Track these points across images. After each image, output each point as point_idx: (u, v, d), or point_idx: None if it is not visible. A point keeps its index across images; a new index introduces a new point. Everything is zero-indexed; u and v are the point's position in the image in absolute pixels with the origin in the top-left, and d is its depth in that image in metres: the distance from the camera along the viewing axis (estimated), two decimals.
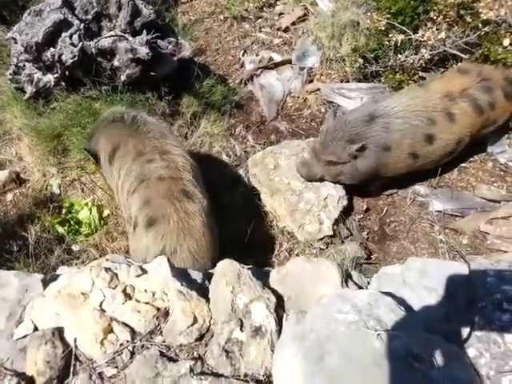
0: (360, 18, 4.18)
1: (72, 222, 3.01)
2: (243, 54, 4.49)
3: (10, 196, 3.18)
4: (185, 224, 2.10)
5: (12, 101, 3.44)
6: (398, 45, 3.54)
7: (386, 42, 3.64)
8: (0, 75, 3.90)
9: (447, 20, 3.46)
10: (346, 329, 1.00)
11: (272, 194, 3.01)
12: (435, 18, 3.50)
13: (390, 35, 3.57)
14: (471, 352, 0.95)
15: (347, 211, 3.00)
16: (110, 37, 3.03)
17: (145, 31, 3.07)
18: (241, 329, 1.16)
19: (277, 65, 4.25)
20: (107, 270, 1.27)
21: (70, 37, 3.01)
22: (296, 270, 1.34)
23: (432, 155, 2.84)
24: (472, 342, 0.99)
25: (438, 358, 0.91)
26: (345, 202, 2.91)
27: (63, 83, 3.26)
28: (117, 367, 1.13)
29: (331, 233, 2.83)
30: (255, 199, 3.20)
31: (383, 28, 3.68)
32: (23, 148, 3.43)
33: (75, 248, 2.88)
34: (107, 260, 1.31)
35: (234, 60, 4.49)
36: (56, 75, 3.16)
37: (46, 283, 1.35)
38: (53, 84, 3.24)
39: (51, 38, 3.01)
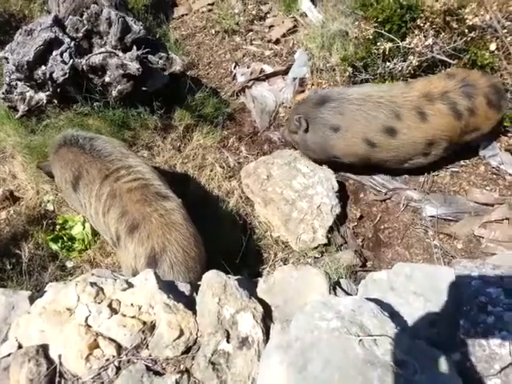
0: (348, 27, 4.24)
1: (65, 239, 3.00)
2: (235, 67, 4.54)
3: (3, 214, 3.18)
4: (167, 219, 2.12)
5: (5, 119, 3.45)
6: (387, 52, 3.59)
7: (375, 51, 3.69)
8: None
9: (434, 27, 3.51)
10: (328, 336, 0.99)
11: (265, 205, 3.01)
12: (422, 25, 3.55)
13: (378, 43, 3.62)
14: (456, 356, 0.94)
15: (341, 219, 3.00)
16: (100, 53, 3.06)
17: (135, 47, 3.10)
18: (227, 340, 1.15)
19: (268, 76, 4.29)
20: (93, 284, 1.26)
21: (61, 54, 3.04)
22: (283, 278, 1.33)
23: (397, 150, 2.91)
24: (457, 345, 0.98)
25: (422, 364, 0.90)
26: (338, 210, 2.91)
27: (55, 100, 3.29)
28: (102, 383, 1.12)
29: (325, 241, 2.83)
30: (249, 210, 3.20)
31: (371, 37, 3.73)
32: (17, 166, 3.44)
33: (69, 264, 2.87)
34: (93, 275, 1.31)
35: (226, 73, 4.54)
36: (48, 93, 3.19)
37: (33, 300, 1.34)
38: (45, 102, 3.27)
39: (42, 56, 3.05)
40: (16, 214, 3.12)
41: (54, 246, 2.93)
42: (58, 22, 3.16)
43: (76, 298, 1.23)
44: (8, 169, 3.47)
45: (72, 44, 3.07)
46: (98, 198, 2.31)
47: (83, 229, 3.03)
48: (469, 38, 3.37)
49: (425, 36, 3.51)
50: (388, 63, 3.60)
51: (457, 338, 1.02)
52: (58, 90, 3.14)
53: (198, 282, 1.47)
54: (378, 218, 3.09)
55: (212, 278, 1.29)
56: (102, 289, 1.27)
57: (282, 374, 0.98)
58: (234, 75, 4.43)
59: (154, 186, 2.27)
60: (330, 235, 2.88)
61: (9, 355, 1.18)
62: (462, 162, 3.25)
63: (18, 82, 3.23)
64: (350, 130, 2.91)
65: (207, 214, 2.99)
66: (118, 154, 2.52)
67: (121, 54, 3.07)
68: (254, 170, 3.11)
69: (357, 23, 4.09)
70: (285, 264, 2.91)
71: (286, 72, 4.30)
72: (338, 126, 2.93)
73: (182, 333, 1.18)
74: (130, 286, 1.30)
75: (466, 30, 3.36)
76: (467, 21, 3.31)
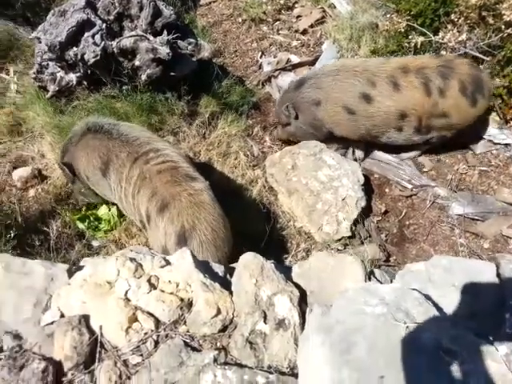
0: (379, 20, 4.17)
1: (92, 219, 3.05)
2: (261, 56, 4.51)
3: (32, 192, 3.24)
4: (196, 199, 2.15)
5: (35, 99, 3.50)
6: (418, 47, 3.52)
7: (406, 44, 3.63)
8: (23, 74, 4.00)
9: (468, 22, 3.43)
10: (374, 321, 0.99)
11: (289, 195, 3.00)
12: (456, 19, 3.47)
13: (410, 37, 3.56)
14: (502, 350, 0.93)
15: (366, 213, 2.98)
16: (131, 36, 3.08)
17: (165, 31, 3.10)
18: (264, 321, 1.16)
19: (295, 66, 4.25)
20: (132, 260, 1.28)
21: (93, 36, 3.06)
22: (319, 264, 1.33)
23: (374, 118, 2.95)
24: (502, 339, 0.97)
25: (469, 354, 0.89)
26: (363, 204, 2.89)
27: (85, 82, 3.32)
28: (141, 355, 1.14)
29: (349, 234, 2.81)
30: (272, 199, 3.20)
31: (403, 30, 3.67)
32: (45, 145, 3.49)
33: (95, 244, 2.92)
34: (131, 251, 1.33)
35: (252, 62, 4.52)
36: (78, 74, 3.23)
37: (71, 273, 1.37)
38: (75, 83, 3.30)
39: (74, 37, 3.07)
40: (44, 193, 3.18)
41: (81, 225, 2.98)
42: (90, 4, 3.18)
43: (116, 272, 1.25)
44: (37, 148, 3.53)
45: (104, 26, 3.09)
46: (128, 180, 2.34)
47: (109, 210, 3.07)
48: (505, 35, 3.29)
49: (458, 31, 3.44)
50: None
51: (501, 332, 1.01)
52: (89, 71, 3.17)
53: (231, 265, 1.48)
54: (403, 214, 3.05)
55: (249, 260, 1.30)
56: (140, 265, 1.29)
57: (324, 355, 0.98)
58: (260, 64, 4.41)
59: (183, 168, 2.30)
60: (353, 228, 2.86)
61: (52, 323, 1.21)
62: (492, 162, 3.18)
63: (50, 63, 3.27)
64: (330, 100, 2.98)
65: (231, 202, 2.99)
66: (145, 138, 2.55)
67: (151, 37, 3.08)
68: (279, 160, 3.10)
69: (388, 16, 4.01)
70: (307, 255, 2.91)
71: (312, 63, 4.25)
72: (319, 99, 3.02)
73: (219, 311, 1.19)
74: (168, 263, 1.32)
75: (503, 26, 3.27)
76: (504, 16, 3.22)
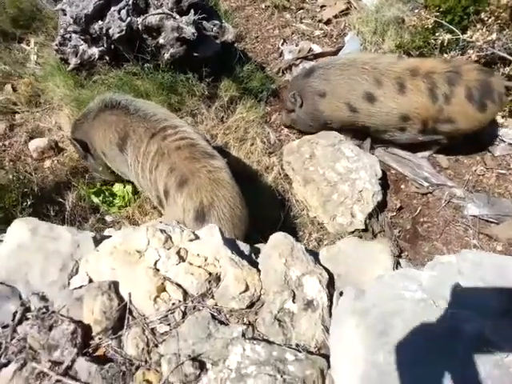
0: (405, 14, 4.12)
1: (106, 194, 3.05)
2: (282, 44, 4.47)
3: (47, 163, 3.25)
4: (215, 176, 2.16)
5: (56, 71, 3.49)
6: (445, 44, 3.48)
7: (432, 41, 3.58)
8: (44, 46, 3.99)
9: (499, 22, 3.37)
10: (413, 306, 0.99)
11: (305, 184, 2.99)
12: (486, 19, 3.41)
13: (437, 34, 3.51)
14: None
15: (380, 207, 2.97)
16: (157, 14, 3.04)
17: (192, 11, 3.07)
18: (293, 300, 1.16)
19: (316, 56, 4.21)
20: (162, 231, 1.28)
21: (119, 11, 3.03)
22: (347, 249, 1.33)
23: (374, 118, 2.94)
24: None
25: (509, 344, 0.89)
26: (379, 198, 2.88)
27: (107, 57, 3.30)
28: (169, 325, 1.14)
29: (363, 227, 2.81)
30: (287, 187, 3.19)
31: (430, 26, 3.61)
32: (63, 118, 3.49)
33: (108, 219, 2.93)
34: (161, 222, 1.33)
35: (273, 49, 4.48)
36: (101, 48, 3.20)
37: (96, 241, 1.38)
38: (97, 57, 3.28)
39: (100, 11, 3.04)
40: (60, 164, 3.18)
41: (96, 200, 2.99)
42: None
43: (146, 242, 1.25)
44: (54, 120, 3.53)
45: (130, 2, 3.06)
46: (146, 155, 2.33)
47: (124, 187, 3.08)
48: None
49: (488, 31, 3.38)
50: (445, 55, 3.50)
51: None
52: (112, 46, 3.15)
53: (257, 245, 1.48)
54: (417, 211, 3.04)
55: (280, 240, 1.30)
56: (170, 236, 1.29)
57: (359, 338, 0.99)
58: (281, 52, 4.37)
59: (201, 146, 2.29)
60: (368, 221, 2.86)
61: (80, 287, 1.21)
62: (511, 165, 3.16)
63: (73, 35, 3.25)
64: (335, 94, 2.97)
65: (246, 186, 2.98)
66: (162, 115, 2.54)
67: (178, 16, 3.04)
68: (298, 149, 3.08)
69: (415, 11, 3.96)
70: (318, 244, 2.91)
71: (334, 54, 4.21)
72: (324, 91, 3.00)
73: (247, 288, 1.19)
74: (197, 237, 1.32)
75: None
76: None
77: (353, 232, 2.83)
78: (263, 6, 4.96)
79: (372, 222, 2.89)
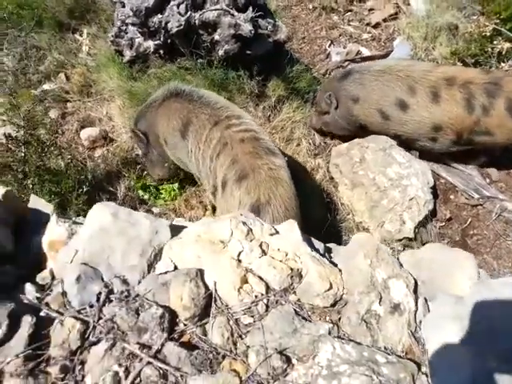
0: (460, 21, 4.03)
1: (152, 189, 3.09)
2: (330, 45, 4.45)
3: (98, 152, 3.32)
4: (275, 174, 2.17)
5: (110, 62, 3.57)
6: (503, 53, 3.39)
7: (489, 49, 3.49)
8: (97, 37, 4.08)
9: None
10: None
11: (353, 187, 2.96)
12: None
13: (495, 42, 3.42)
14: None
15: (429, 217, 2.91)
16: (215, 10, 3.07)
17: (250, 8, 3.08)
18: (379, 302, 1.15)
19: (364, 59, 4.17)
20: (244, 223, 1.29)
21: (178, 6, 3.07)
22: (431, 255, 1.31)
23: (406, 126, 2.91)
24: None
25: None
26: (431, 207, 2.82)
27: (161, 51, 3.35)
28: (252, 316, 1.14)
29: (412, 235, 2.76)
30: (332, 190, 3.17)
31: (488, 34, 3.53)
32: (114, 109, 3.56)
33: (155, 210, 2.97)
34: (241, 215, 1.33)
35: (320, 50, 4.46)
36: (157, 42, 3.25)
37: (173, 229, 1.39)
38: (152, 50, 3.33)
39: (160, 4, 3.09)
40: (111, 154, 3.24)
41: (142, 193, 3.04)
42: None
43: (230, 232, 1.26)
44: (105, 110, 3.61)
45: None
46: (207, 142, 2.36)
47: (171, 183, 3.12)
48: None
49: None
50: (503, 64, 3.41)
51: None
52: (169, 40, 3.19)
53: (328, 244, 1.47)
54: (467, 223, 2.97)
55: (364, 240, 1.28)
56: (251, 229, 1.29)
57: (464, 343, 0.96)
58: (329, 53, 4.35)
59: (264, 141, 2.31)
60: (416, 230, 2.80)
61: (165, 273, 1.23)
62: None
63: (131, 27, 3.31)
64: (367, 100, 2.95)
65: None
66: (225, 103, 2.58)
67: (236, 13, 3.06)
68: (347, 151, 3.05)
69: (472, 18, 3.87)
70: None
71: (383, 57, 4.15)
72: (358, 96, 2.98)
73: (331, 286, 1.18)
74: (276, 232, 1.32)
75: None
76: None
77: (401, 240, 2.78)
78: (310, 7, 4.94)
79: (421, 230, 2.83)
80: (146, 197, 3.06)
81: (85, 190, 2.59)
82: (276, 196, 2.11)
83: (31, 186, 2.55)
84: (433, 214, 2.95)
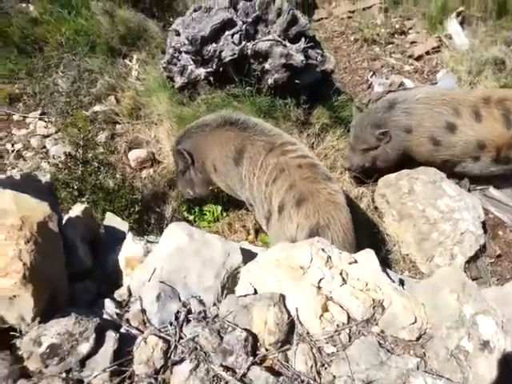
0: (507, 56, 4.03)
1: (196, 210, 3.13)
2: (372, 76, 4.51)
3: (144, 173, 3.41)
4: (333, 199, 2.20)
5: (161, 88, 3.71)
6: None
7: None
8: (147, 63, 4.26)
9: None
10: None
11: (400, 219, 2.92)
12: None
13: None
14: None
15: (480, 252, 2.82)
16: (268, 40, 3.18)
17: (303, 39, 3.18)
18: (468, 339, 1.11)
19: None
20: (323, 250, 1.29)
21: (232, 36, 3.20)
22: None
23: (455, 148, 2.93)
24: None
25: None
26: (482, 241, 2.75)
27: (211, 78, 3.46)
28: (335, 346, 1.13)
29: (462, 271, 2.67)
30: (377, 220, 3.13)
31: None
32: (162, 132, 3.67)
33: None
34: (318, 242, 1.34)
35: (362, 80, 4.52)
36: (209, 69, 3.37)
37: (244, 252, 1.40)
38: (202, 77, 3.45)
39: (215, 34, 3.22)
40: (158, 175, 3.32)
41: (187, 214, 3.09)
42: (233, 5, 3.33)
43: (310, 259, 1.26)
44: (153, 133, 3.72)
45: (244, 27, 3.22)
46: (263, 169, 2.40)
47: (214, 204, 3.16)
48: None
49: None
50: None
51: None
52: (221, 68, 3.30)
53: (399, 276, 1.45)
54: None
55: (448, 274, 1.26)
56: (330, 257, 1.29)
57: None
58: (371, 84, 4.40)
59: (320, 167, 2.37)
60: (466, 266, 2.72)
61: (245, 296, 1.23)
62: None
63: (184, 55, 3.44)
64: (419, 129, 2.95)
65: None
66: (278, 131, 2.64)
67: (288, 44, 3.16)
68: (396, 182, 3.03)
69: None
70: None
71: None
72: (410, 126, 2.97)
73: (415, 319, 1.16)
74: (355, 261, 1.31)
75: None
76: None
77: None
78: (352, 39, 5.06)
79: (471, 266, 2.75)
80: (190, 218, 3.10)
81: (137, 209, 2.65)
82: (335, 220, 2.12)
83: (86, 203, 2.63)
84: (483, 249, 2.87)
